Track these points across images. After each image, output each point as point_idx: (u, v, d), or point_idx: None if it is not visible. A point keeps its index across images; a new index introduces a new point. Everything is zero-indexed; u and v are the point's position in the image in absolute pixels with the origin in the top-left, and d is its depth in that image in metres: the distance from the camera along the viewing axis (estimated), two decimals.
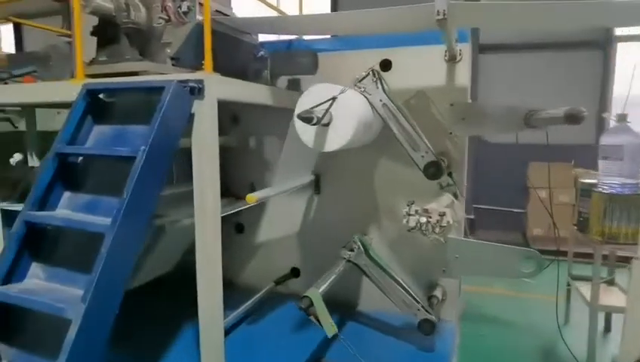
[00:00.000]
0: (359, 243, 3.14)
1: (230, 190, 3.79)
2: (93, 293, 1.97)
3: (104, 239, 2.06)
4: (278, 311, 3.72)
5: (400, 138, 2.89)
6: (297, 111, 2.71)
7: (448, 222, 2.67)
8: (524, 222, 6.24)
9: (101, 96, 2.73)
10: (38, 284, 2.32)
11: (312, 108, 2.51)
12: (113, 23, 2.90)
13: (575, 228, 3.52)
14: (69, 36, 4.15)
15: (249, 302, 3.56)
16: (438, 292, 3.40)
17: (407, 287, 3.10)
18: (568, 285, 3.68)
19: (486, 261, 3.32)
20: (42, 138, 3.76)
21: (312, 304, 2.56)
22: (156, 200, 2.35)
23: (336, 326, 3.53)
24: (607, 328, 3.33)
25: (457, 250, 3.41)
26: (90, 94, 2.62)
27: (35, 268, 2.40)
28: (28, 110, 3.45)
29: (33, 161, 3.46)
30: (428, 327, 3.01)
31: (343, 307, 3.78)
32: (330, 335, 2.54)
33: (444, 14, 2.19)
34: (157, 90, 2.39)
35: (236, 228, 4.16)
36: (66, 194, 2.54)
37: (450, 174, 3.32)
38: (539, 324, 3.79)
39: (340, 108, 2.59)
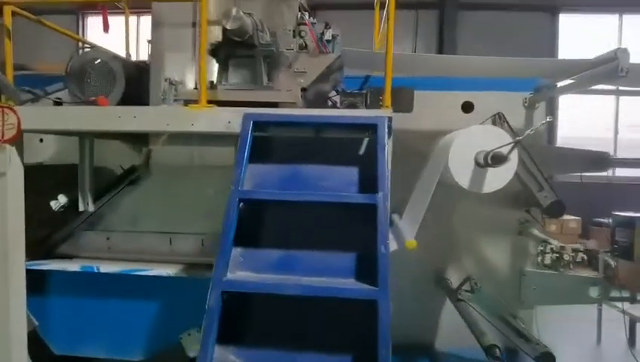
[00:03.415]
0: (476, 284, 3.13)
1: None
2: None
3: (378, 307, 1.70)
4: None
5: (525, 178, 3.00)
6: (452, 155, 2.64)
7: (583, 258, 2.85)
8: None
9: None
10: None
11: (496, 149, 2.47)
12: (248, 43, 2.47)
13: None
14: (89, 46, 3.40)
15: None
16: (520, 323, 3.54)
17: (520, 323, 3.17)
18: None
19: (559, 290, 3.61)
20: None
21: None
22: None
23: None
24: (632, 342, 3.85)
25: (534, 281, 3.65)
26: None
27: (222, 352, 1.84)
28: (85, 139, 2.63)
29: (87, 205, 2.60)
30: (548, 360, 3.11)
31: (417, 347, 3.68)
32: None
33: (626, 72, 2.42)
34: (365, 127, 2.12)
35: None
36: (236, 251, 2.03)
37: (528, 211, 3.58)
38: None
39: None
